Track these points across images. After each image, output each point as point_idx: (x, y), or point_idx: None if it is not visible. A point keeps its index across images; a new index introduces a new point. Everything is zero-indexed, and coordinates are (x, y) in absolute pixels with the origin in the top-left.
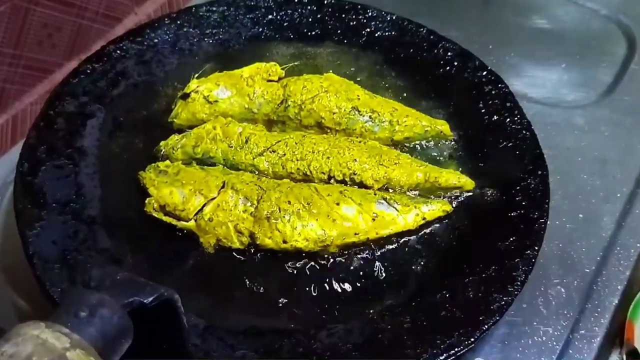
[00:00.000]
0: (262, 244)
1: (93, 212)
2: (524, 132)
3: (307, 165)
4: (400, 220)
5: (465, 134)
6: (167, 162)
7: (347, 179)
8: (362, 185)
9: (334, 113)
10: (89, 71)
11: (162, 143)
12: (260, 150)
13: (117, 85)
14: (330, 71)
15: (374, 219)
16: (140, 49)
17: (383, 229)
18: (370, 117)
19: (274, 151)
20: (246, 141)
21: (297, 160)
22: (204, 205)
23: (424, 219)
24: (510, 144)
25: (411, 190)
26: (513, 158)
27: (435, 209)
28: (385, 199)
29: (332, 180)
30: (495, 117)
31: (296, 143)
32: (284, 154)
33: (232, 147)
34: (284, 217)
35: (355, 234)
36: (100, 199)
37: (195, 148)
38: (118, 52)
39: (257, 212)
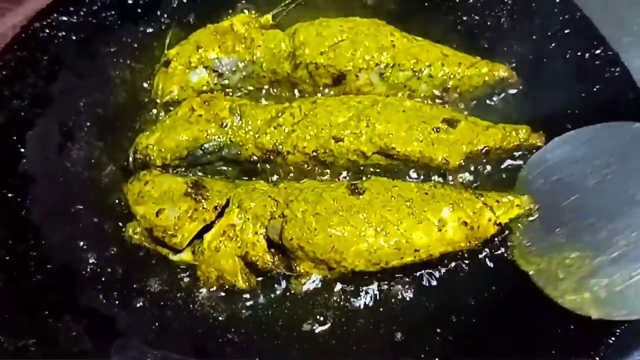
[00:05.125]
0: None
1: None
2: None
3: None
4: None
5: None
6: (155, 171)
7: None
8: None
9: (360, 70)
10: (12, 64)
11: (137, 141)
12: (260, 124)
13: (54, 77)
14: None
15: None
16: (74, 22)
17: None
18: (413, 70)
19: (279, 125)
20: (240, 118)
21: (312, 136)
22: (202, 230)
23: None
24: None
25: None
26: None
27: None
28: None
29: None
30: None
31: (306, 114)
32: (293, 130)
33: (225, 126)
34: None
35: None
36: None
37: (181, 141)
38: (47, 31)
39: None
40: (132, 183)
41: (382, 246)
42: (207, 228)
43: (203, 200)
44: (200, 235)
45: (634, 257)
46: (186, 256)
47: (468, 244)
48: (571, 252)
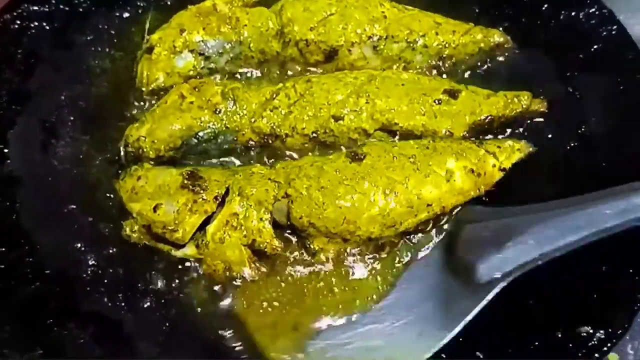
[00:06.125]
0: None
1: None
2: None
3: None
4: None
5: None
6: (147, 164)
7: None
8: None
9: (353, 44)
10: None
11: (127, 134)
12: (255, 108)
13: (30, 72)
14: None
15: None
16: (46, 11)
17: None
18: (407, 41)
19: (275, 107)
20: (234, 102)
21: (310, 117)
22: (204, 223)
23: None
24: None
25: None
26: None
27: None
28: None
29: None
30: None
31: (302, 94)
32: (290, 111)
33: (219, 112)
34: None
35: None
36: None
37: (174, 130)
38: (18, 23)
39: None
40: (123, 179)
41: (394, 207)
42: (208, 220)
43: (202, 191)
44: (202, 227)
45: (354, 322)
46: (190, 251)
47: (477, 191)
48: (294, 308)
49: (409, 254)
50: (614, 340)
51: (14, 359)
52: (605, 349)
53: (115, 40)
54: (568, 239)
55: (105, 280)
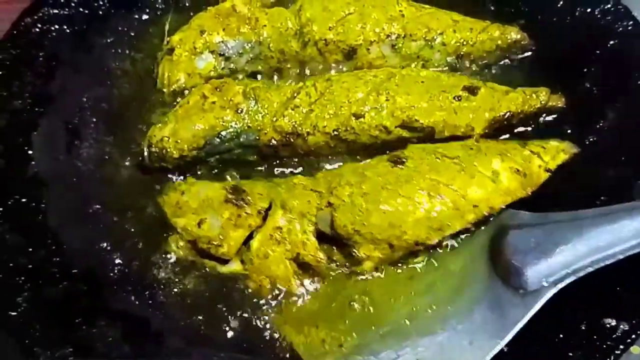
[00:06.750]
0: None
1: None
2: None
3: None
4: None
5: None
6: (190, 179)
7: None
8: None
9: (371, 43)
10: (8, 63)
11: (150, 134)
12: (276, 107)
13: (52, 74)
14: None
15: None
16: (66, 14)
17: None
18: (425, 39)
19: (296, 106)
20: (255, 102)
21: (331, 115)
22: (249, 237)
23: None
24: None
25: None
26: None
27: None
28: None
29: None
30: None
31: (322, 92)
32: (311, 109)
33: (241, 111)
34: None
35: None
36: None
37: (197, 130)
38: (39, 26)
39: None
40: (167, 195)
41: (440, 209)
42: (252, 234)
43: (245, 205)
44: (246, 242)
45: (402, 334)
46: (235, 266)
47: (524, 192)
48: (340, 323)
49: (454, 261)
50: (639, 332)
51: (44, 356)
52: (629, 340)
53: (135, 42)
54: (619, 247)
55: (132, 279)
